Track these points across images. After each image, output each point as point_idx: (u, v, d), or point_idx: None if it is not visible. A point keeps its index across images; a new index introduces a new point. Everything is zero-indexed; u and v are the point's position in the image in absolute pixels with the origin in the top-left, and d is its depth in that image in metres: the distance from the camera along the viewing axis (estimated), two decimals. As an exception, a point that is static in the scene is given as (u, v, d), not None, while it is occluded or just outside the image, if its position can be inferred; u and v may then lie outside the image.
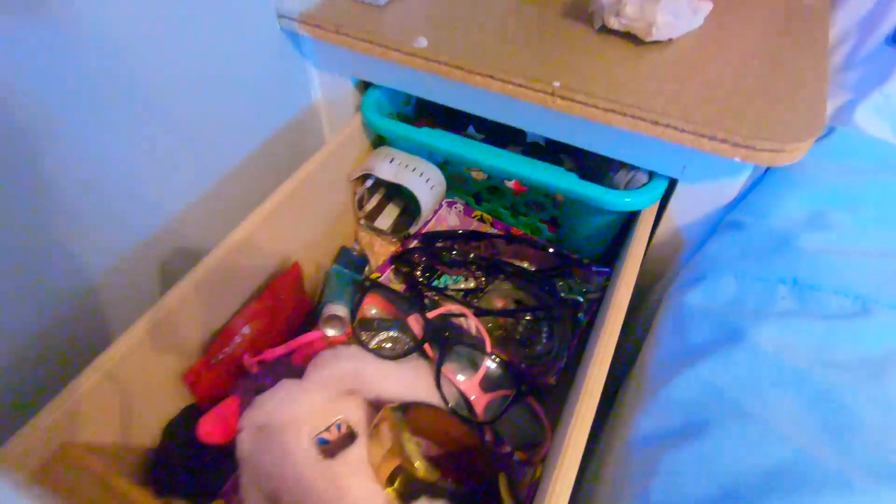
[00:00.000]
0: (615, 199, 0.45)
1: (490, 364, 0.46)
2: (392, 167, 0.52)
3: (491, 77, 0.42)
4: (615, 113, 0.39)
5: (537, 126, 0.46)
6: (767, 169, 0.44)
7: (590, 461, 0.42)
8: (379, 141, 0.57)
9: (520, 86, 0.41)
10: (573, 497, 0.30)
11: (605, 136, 0.43)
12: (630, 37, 0.45)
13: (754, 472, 0.28)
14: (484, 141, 0.57)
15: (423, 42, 0.44)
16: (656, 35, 0.43)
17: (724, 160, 0.38)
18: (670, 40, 0.45)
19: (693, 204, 0.45)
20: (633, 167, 0.47)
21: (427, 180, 0.53)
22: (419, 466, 0.38)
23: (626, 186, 0.48)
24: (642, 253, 0.43)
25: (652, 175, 0.46)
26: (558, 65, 0.42)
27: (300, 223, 0.51)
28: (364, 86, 0.56)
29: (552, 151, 0.54)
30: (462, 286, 0.58)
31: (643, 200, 0.45)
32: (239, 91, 0.49)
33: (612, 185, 0.49)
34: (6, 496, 0.21)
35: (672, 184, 0.45)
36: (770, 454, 0.29)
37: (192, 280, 0.40)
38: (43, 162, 0.35)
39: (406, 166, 0.52)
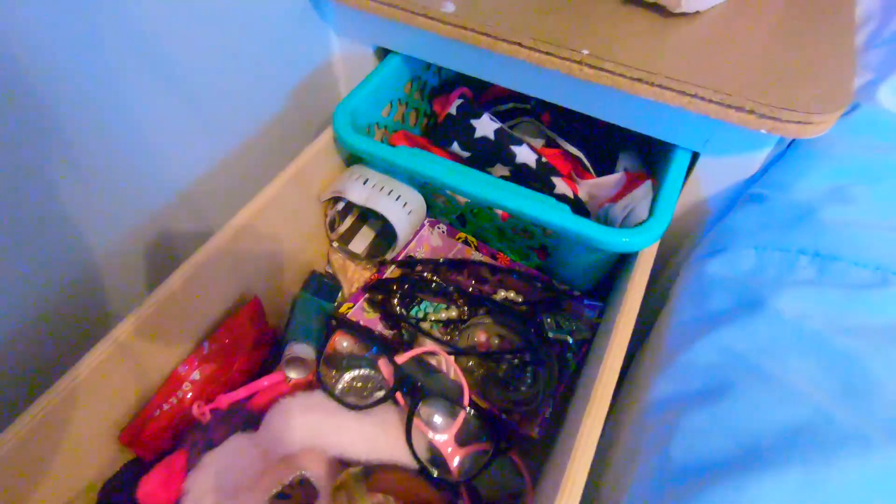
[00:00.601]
0: (610, 239, 0.40)
1: (467, 416, 0.42)
2: (365, 190, 0.47)
3: (519, 44, 0.41)
4: (643, 83, 0.38)
5: (561, 96, 0.46)
6: (790, 144, 0.44)
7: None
8: (353, 158, 0.52)
9: (547, 53, 0.41)
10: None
11: (629, 107, 0.43)
12: (658, 8, 0.44)
13: (774, 430, 0.28)
14: (468, 160, 0.52)
15: (450, 7, 0.43)
16: (684, 6, 0.43)
17: (749, 133, 0.38)
18: (698, 12, 0.44)
19: (715, 178, 0.45)
20: (629, 203, 0.42)
21: (404, 205, 0.48)
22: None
23: (625, 220, 0.43)
24: (640, 300, 0.39)
25: (652, 210, 0.41)
26: (586, 34, 0.41)
27: (265, 247, 0.46)
28: (384, 54, 0.54)
29: (544, 174, 0.49)
30: (443, 315, 0.54)
31: (642, 240, 0.40)
32: (256, 57, 0.46)
33: (608, 216, 0.44)
34: None
35: (694, 158, 0.45)
36: (790, 414, 0.29)
37: (135, 320, 0.35)
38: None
39: (381, 189, 0.47)
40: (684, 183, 0.46)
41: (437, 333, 0.51)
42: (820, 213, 0.38)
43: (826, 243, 0.36)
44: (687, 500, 0.28)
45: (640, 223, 0.41)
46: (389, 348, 0.44)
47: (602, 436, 0.41)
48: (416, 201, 0.49)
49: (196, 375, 0.40)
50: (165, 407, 0.39)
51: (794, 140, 0.43)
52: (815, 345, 0.32)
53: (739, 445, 0.29)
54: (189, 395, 0.40)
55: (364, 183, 0.48)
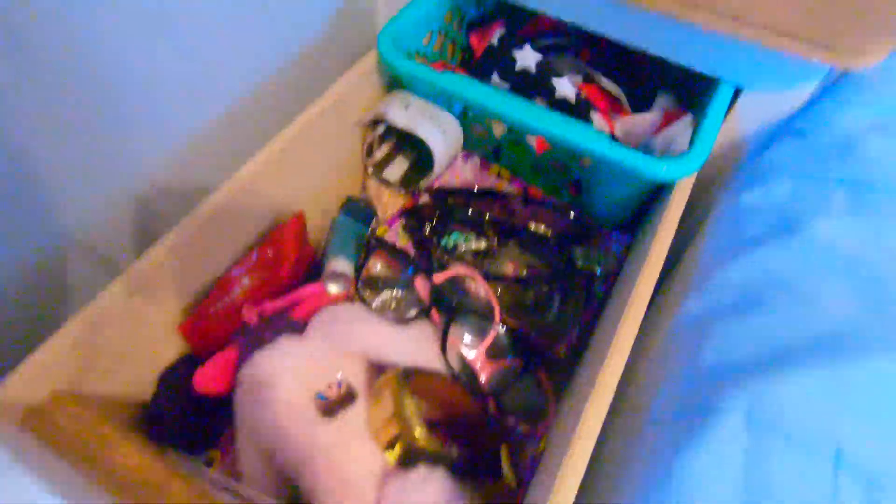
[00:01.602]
0: (651, 167, 0.41)
1: (498, 333, 0.44)
2: (407, 114, 0.48)
3: None
4: (695, 7, 0.38)
5: (609, 25, 0.45)
6: (834, 81, 0.44)
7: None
8: (393, 83, 0.52)
9: None
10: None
11: (676, 37, 0.43)
12: None
13: (804, 338, 0.30)
14: (509, 91, 0.52)
15: None
16: None
17: (796, 65, 0.38)
18: None
19: (756, 113, 0.46)
20: (669, 134, 0.43)
21: (444, 132, 0.49)
22: (419, 435, 0.36)
23: (664, 152, 0.44)
24: (675, 226, 0.40)
25: (693, 140, 0.42)
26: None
27: (306, 169, 0.47)
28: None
29: (582, 109, 0.50)
30: (473, 246, 0.55)
31: (683, 170, 0.41)
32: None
33: (648, 148, 0.45)
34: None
35: (735, 96, 0.45)
36: (819, 325, 0.30)
37: (193, 223, 0.37)
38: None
39: (422, 114, 0.48)
40: (725, 118, 0.47)
41: (468, 260, 0.52)
42: (860, 146, 0.38)
43: (864, 174, 0.37)
44: (723, 395, 0.30)
45: (681, 153, 0.41)
46: (426, 269, 0.46)
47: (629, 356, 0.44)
48: (455, 130, 0.50)
49: (246, 281, 0.43)
50: (219, 305, 0.41)
51: (837, 78, 0.43)
52: (848, 267, 0.33)
53: (769, 351, 0.31)
54: (240, 297, 0.42)
55: (406, 108, 0.48)
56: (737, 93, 0.45)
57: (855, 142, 0.39)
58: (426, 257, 0.53)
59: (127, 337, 0.36)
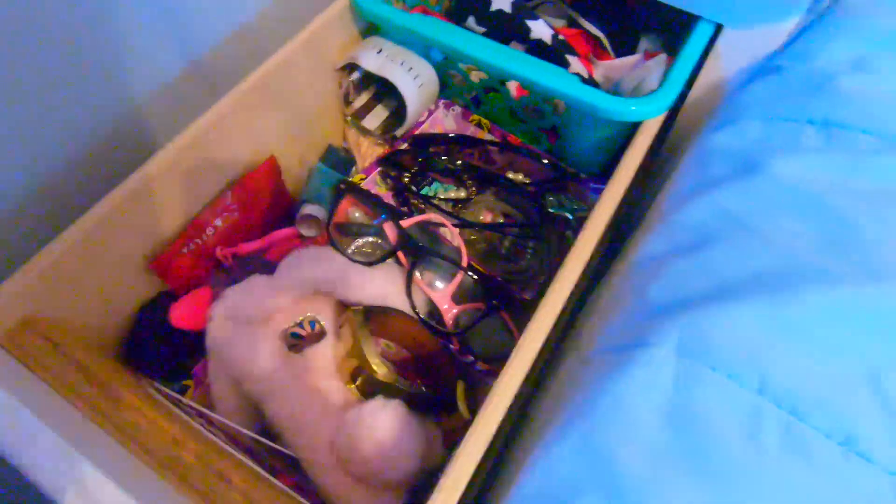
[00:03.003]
0: (619, 108, 0.40)
1: (464, 276, 0.45)
2: (379, 59, 0.48)
3: None
4: None
5: None
6: (820, 14, 0.41)
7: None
8: (370, 29, 0.52)
9: None
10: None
11: None
12: None
13: (749, 272, 0.30)
14: (484, 36, 0.51)
15: None
16: None
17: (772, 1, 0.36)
18: None
19: (738, 52, 0.43)
20: (639, 75, 0.42)
21: (416, 77, 0.48)
22: (376, 368, 0.38)
23: (633, 93, 0.42)
24: (636, 166, 0.40)
25: (663, 80, 0.41)
26: None
27: (280, 113, 0.48)
28: None
29: (557, 51, 0.48)
30: (452, 195, 0.56)
31: (651, 110, 0.40)
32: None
33: (618, 89, 0.44)
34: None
35: (716, 35, 0.43)
36: (768, 260, 0.30)
37: (166, 157, 0.39)
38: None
39: (394, 59, 0.48)
40: (706, 59, 0.45)
41: (445, 209, 0.53)
42: (836, 82, 0.36)
43: (836, 112, 0.35)
44: (658, 329, 0.30)
45: (650, 93, 0.40)
46: (397, 214, 0.46)
47: (588, 296, 0.44)
48: (429, 75, 0.50)
49: (219, 222, 0.44)
50: (192, 246, 0.43)
51: (824, 10, 0.41)
52: (809, 205, 0.32)
53: (714, 285, 0.30)
54: (213, 238, 0.44)
55: (378, 52, 0.48)
56: (719, 32, 0.43)
57: (830, 78, 0.37)
58: (406, 205, 0.54)
59: (100, 271, 0.38)
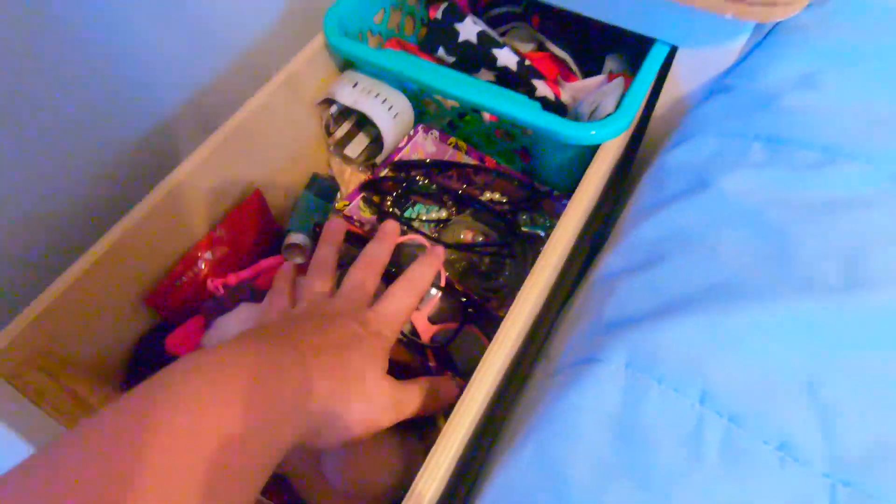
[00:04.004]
0: (578, 133, 0.42)
1: (440, 296, 0.47)
2: (354, 92, 0.50)
3: None
4: None
5: None
6: (768, 33, 0.43)
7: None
8: (348, 64, 0.55)
9: None
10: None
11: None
12: None
13: (694, 288, 0.32)
14: (454, 66, 0.54)
15: None
16: None
17: (723, 21, 0.38)
18: None
19: (693, 72, 0.45)
20: (596, 99, 0.44)
21: (390, 107, 0.51)
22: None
23: (592, 116, 0.45)
24: (596, 187, 0.42)
25: (619, 103, 0.43)
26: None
27: (264, 149, 0.51)
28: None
29: (524, 77, 0.51)
30: (433, 216, 0.58)
31: (609, 132, 0.42)
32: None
33: (577, 113, 0.46)
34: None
35: (672, 53, 0.45)
36: (710, 275, 0.32)
37: (154, 201, 0.42)
38: None
39: (368, 92, 0.50)
40: (665, 80, 0.47)
41: (425, 231, 0.55)
42: (781, 99, 0.38)
43: (781, 128, 0.37)
44: (609, 345, 0.32)
45: (606, 116, 0.42)
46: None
47: (556, 313, 0.46)
48: (404, 105, 0.52)
49: (209, 255, 0.47)
50: (184, 279, 0.46)
51: (773, 28, 0.43)
52: (750, 218, 0.34)
53: (662, 301, 0.32)
54: (204, 271, 0.47)
55: (354, 86, 0.51)
56: (675, 52, 0.45)
57: (777, 96, 0.39)
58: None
59: (98, 309, 0.41)
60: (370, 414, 0.32)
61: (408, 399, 0.35)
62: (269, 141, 0.51)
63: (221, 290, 0.48)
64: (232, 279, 0.48)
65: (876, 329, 0.28)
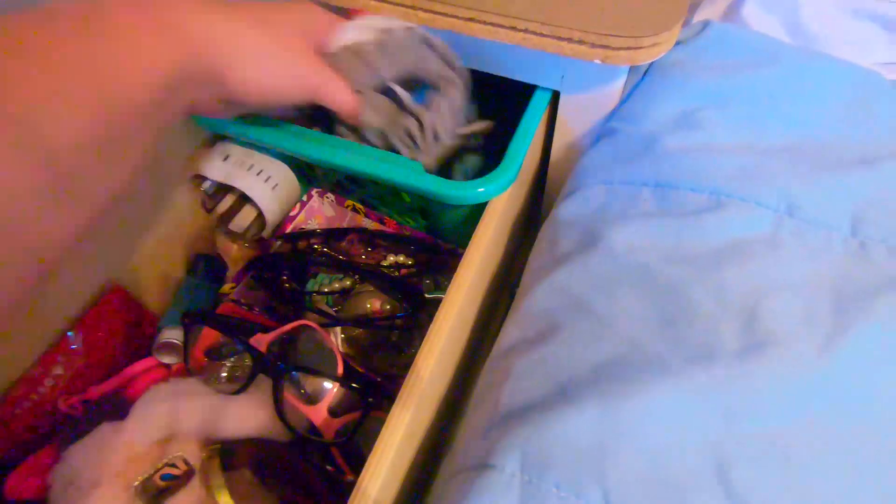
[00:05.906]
0: (462, 192, 0.39)
1: (339, 386, 0.42)
2: (226, 166, 0.46)
3: None
4: (476, 22, 0.37)
5: None
6: (646, 72, 0.42)
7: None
8: (218, 136, 0.50)
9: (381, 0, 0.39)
10: None
11: (474, 50, 0.41)
12: None
13: (586, 366, 0.29)
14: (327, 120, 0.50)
15: None
16: None
17: (596, 65, 0.36)
18: None
19: (578, 116, 0.44)
20: (463, 155, 0.41)
21: (267, 179, 0.46)
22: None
23: (468, 175, 0.42)
24: (485, 245, 0.39)
25: (483, 160, 0.40)
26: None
27: (127, 238, 0.45)
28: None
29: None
30: (337, 285, 0.53)
31: (494, 188, 0.39)
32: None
33: (459, 173, 0.43)
34: None
35: (556, 98, 0.44)
36: (604, 349, 0.29)
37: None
38: None
39: (242, 164, 0.46)
40: (554, 126, 0.45)
41: (325, 307, 0.50)
42: (663, 142, 0.37)
43: (666, 173, 0.35)
44: (503, 447, 0.28)
45: (489, 173, 0.39)
46: (246, 333, 0.43)
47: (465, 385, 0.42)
48: (282, 174, 0.48)
49: (59, 371, 0.40)
50: (26, 404, 0.39)
51: (649, 68, 0.42)
52: (642, 276, 0.31)
53: (555, 384, 0.29)
54: (51, 391, 0.40)
55: (225, 159, 0.46)
56: (559, 98, 0.43)
57: (658, 138, 0.37)
58: (290, 305, 0.51)
59: None
60: (282, 67, 0.31)
61: (325, 78, 0.34)
62: (134, 226, 0.45)
63: (79, 409, 0.41)
64: (93, 392, 0.41)
65: (779, 397, 0.26)
